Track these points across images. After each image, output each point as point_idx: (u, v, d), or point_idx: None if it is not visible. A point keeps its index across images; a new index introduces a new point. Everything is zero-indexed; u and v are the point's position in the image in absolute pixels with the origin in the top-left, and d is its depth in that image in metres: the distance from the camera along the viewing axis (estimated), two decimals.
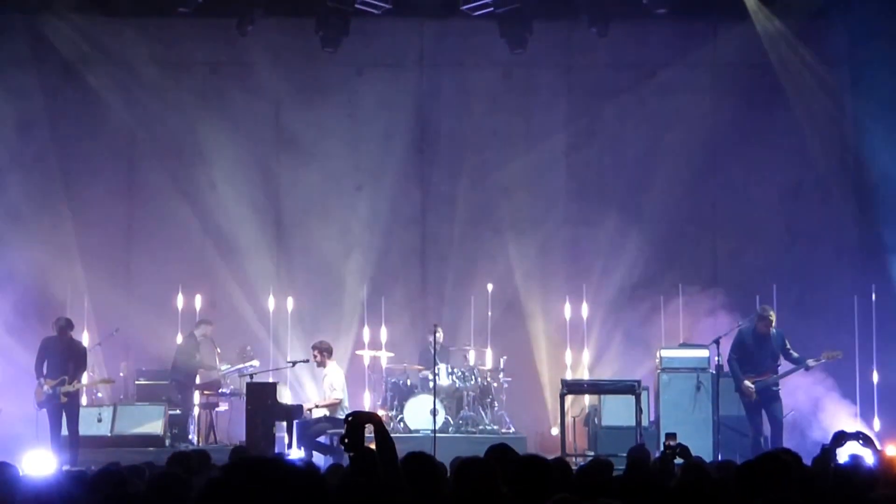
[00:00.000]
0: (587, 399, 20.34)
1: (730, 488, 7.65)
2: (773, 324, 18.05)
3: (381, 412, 19.94)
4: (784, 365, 18.10)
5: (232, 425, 20.48)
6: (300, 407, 18.36)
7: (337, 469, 9.47)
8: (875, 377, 20.25)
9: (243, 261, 22.42)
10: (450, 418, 20.08)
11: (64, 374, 17.97)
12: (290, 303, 21.87)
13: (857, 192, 22.02)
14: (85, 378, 18.66)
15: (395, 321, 22.05)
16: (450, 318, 21.79)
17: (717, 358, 18.26)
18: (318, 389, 19.97)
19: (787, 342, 18.09)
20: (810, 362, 17.95)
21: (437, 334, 19.76)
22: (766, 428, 18.01)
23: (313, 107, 22.72)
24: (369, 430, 6.62)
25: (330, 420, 18.33)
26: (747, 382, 17.81)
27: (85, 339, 20.26)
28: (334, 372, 18.82)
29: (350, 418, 6.52)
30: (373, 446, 6.38)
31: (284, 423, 17.82)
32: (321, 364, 18.90)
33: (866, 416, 19.68)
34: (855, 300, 20.49)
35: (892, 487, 7.68)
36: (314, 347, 18.97)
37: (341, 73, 22.80)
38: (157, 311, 21.81)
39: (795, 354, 18.00)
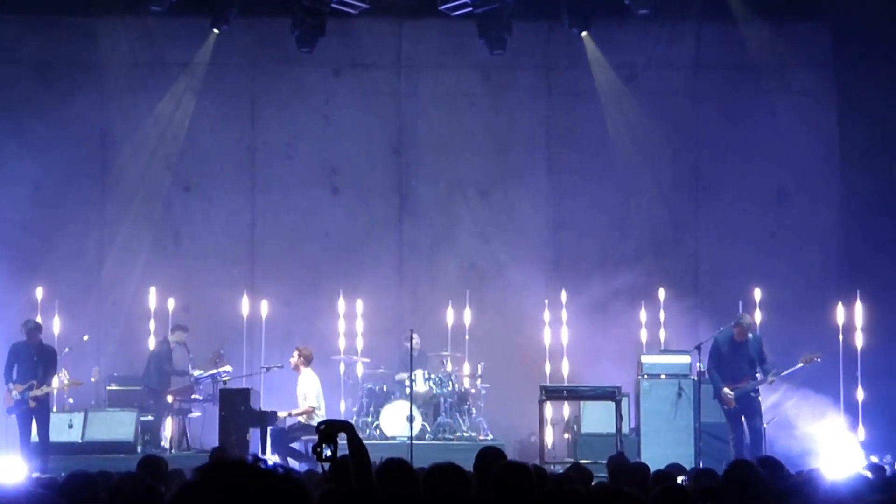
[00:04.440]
0: (567, 406, 20.14)
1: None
2: (750, 330, 17.87)
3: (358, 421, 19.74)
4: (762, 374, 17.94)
5: (205, 432, 20.19)
6: (274, 413, 18.07)
7: (311, 476, 9.34)
8: (859, 382, 20.03)
9: (217, 264, 22.10)
10: (427, 425, 19.83)
11: (33, 378, 17.68)
12: (264, 307, 21.51)
13: (842, 196, 21.82)
14: (55, 382, 18.35)
15: (371, 326, 21.77)
16: (427, 324, 21.48)
17: (698, 364, 18.08)
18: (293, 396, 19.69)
19: (763, 348, 17.90)
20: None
21: (414, 340, 19.46)
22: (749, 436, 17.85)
23: (289, 108, 22.44)
24: (342, 438, 6.55)
25: (304, 427, 18.09)
26: (726, 390, 17.65)
27: (56, 344, 19.88)
28: (307, 381, 18.66)
29: (322, 427, 6.51)
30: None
31: (258, 430, 17.53)
32: (295, 368, 18.73)
33: (850, 423, 19.46)
34: (839, 304, 20.28)
35: None
36: (297, 349, 18.78)
37: (317, 73, 22.52)
38: (129, 316, 21.61)
39: (767, 362, 17.82)
